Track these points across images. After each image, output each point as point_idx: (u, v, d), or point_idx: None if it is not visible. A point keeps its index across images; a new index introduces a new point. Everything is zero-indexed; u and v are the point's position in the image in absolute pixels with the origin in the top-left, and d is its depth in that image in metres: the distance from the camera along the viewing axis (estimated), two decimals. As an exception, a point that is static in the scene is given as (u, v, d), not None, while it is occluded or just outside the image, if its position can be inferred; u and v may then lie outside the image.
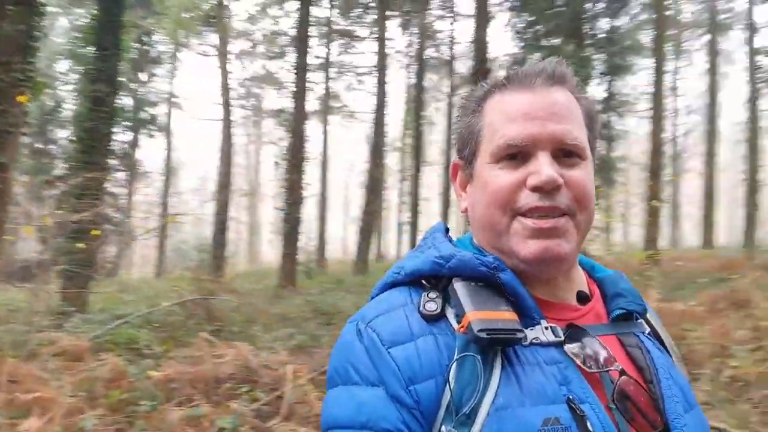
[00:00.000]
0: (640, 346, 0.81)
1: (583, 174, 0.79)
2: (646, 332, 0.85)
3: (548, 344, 0.74)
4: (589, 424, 0.68)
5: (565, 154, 0.78)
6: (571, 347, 0.74)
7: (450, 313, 0.75)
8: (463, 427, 0.67)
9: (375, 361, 0.72)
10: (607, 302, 0.85)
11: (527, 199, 0.76)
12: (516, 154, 0.78)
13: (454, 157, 0.90)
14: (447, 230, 0.88)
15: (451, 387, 0.69)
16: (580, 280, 0.85)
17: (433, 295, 0.76)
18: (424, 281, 0.80)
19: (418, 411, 0.69)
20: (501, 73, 0.84)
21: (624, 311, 0.82)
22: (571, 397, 0.70)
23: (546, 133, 0.77)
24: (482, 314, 0.71)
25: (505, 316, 0.72)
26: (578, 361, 0.73)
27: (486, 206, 0.79)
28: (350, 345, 0.75)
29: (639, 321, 0.85)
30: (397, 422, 0.69)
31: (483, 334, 0.68)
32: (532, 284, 0.78)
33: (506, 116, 0.79)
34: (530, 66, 0.82)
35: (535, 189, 0.76)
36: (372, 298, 0.84)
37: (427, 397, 0.69)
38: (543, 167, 0.76)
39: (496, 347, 0.70)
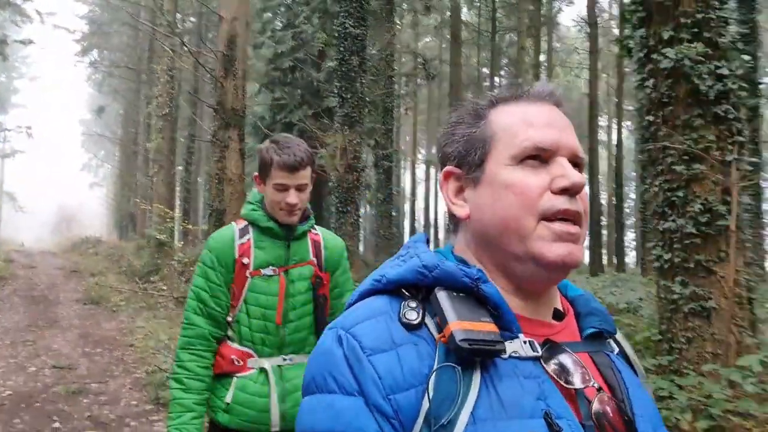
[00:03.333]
0: (611, 365, 0.82)
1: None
2: (615, 352, 0.86)
3: (526, 358, 0.74)
4: None
5: (573, 165, 0.79)
6: (548, 362, 0.75)
7: (430, 323, 0.75)
8: None
9: (354, 369, 0.71)
10: (579, 321, 0.85)
11: (554, 201, 0.76)
12: (534, 158, 0.78)
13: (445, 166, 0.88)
14: (428, 241, 0.87)
15: (430, 397, 0.68)
16: (556, 298, 0.86)
17: (413, 304, 0.76)
18: (404, 291, 0.78)
19: (397, 421, 0.69)
20: (505, 89, 0.87)
21: (596, 330, 0.83)
22: (548, 411, 0.69)
23: (566, 141, 0.79)
24: (465, 324, 0.71)
25: (486, 327, 0.72)
26: (556, 377, 0.73)
27: (509, 208, 0.77)
28: (329, 353, 0.74)
29: (608, 341, 0.86)
30: None
31: (465, 344, 0.68)
32: (511, 299, 0.78)
33: (527, 122, 0.80)
34: (539, 85, 0.85)
35: (563, 191, 0.76)
36: (349, 303, 0.84)
37: (407, 406, 0.69)
38: (569, 170, 0.77)
39: (475, 358, 0.70)
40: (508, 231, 0.78)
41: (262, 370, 1.98)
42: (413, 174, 38.85)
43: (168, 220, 15.88)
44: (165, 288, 12.21)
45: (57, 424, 4.82)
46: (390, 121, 15.24)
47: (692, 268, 4.21)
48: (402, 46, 16.97)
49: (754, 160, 4.64)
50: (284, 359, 2.01)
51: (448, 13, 22.50)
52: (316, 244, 2.11)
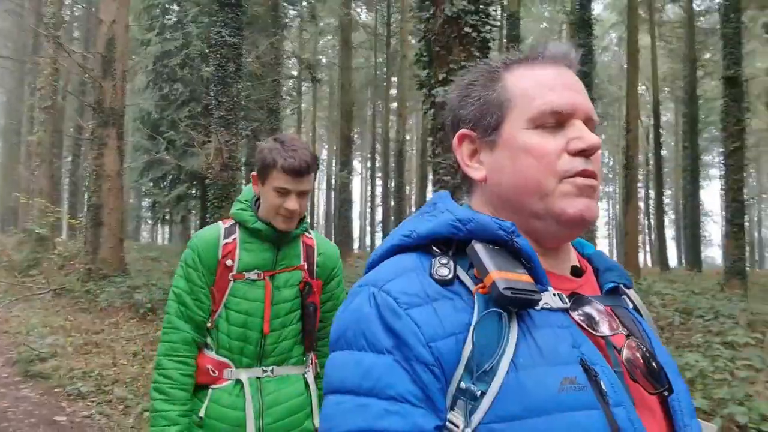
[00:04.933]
0: (631, 317, 0.84)
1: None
2: (631, 306, 0.88)
3: (557, 309, 0.76)
4: (602, 384, 0.70)
5: (587, 128, 0.81)
6: (576, 313, 0.76)
7: (464, 277, 0.76)
8: (482, 383, 0.68)
9: (391, 325, 0.71)
10: (597, 276, 0.87)
11: (573, 163, 0.78)
12: (550, 121, 0.79)
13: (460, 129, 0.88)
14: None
15: (474, 342, 0.69)
16: (573, 255, 0.88)
17: (444, 260, 0.76)
18: (434, 247, 0.79)
19: (438, 368, 0.70)
20: (520, 50, 0.88)
21: (615, 284, 0.85)
22: (583, 358, 0.71)
23: (582, 103, 0.80)
24: (504, 275, 0.72)
25: (523, 278, 0.73)
26: (585, 326, 0.75)
27: (528, 169, 0.79)
28: (360, 310, 0.75)
29: (623, 296, 0.88)
30: (403, 390, 0.69)
31: (508, 293, 0.69)
32: (537, 254, 0.78)
33: (544, 85, 0.80)
34: (554, 46, 0.85)
35: (580, 153, 0.78)
36: (372, 261, 0.84)
37: (448, 353, 0.70)
38: (586, 133, 0.79)
39: (512, 309, 0.72)
40: (529, 191, 0.79)
41: (239, 382, 1.85)
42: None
43: (49, 214, 15.86)
44: (44, 282, 12.44)
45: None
46: (275, 122, 16.14)
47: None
48: (288, 51, 17.86)
49: None
50: (264, 371, 1.87)
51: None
52: (309, 249, 1.99)
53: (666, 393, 0.76)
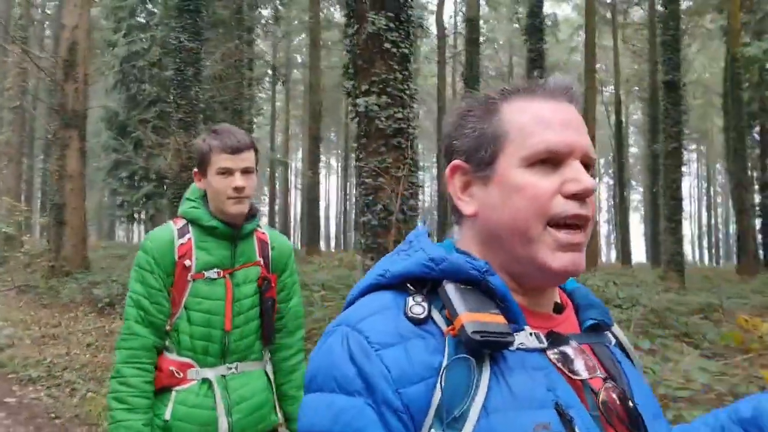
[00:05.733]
0: (611, 356, 0.82)
1: None
2: (613, 343, 0.86)
3: (533, 350, 0.74)
4: (577, 430, 0.68)
5: (585, 167, 0.78)
6: (553, 354, 0.75)
7: (437, 317, 0.74)
8: (453, 430, 0.67)
9: (361, 366, 0.70)
10: (578, 313, 0.86)
11: (565, 206, 0.75)
12: (546, 161, 0.77)
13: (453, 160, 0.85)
14: (429, 235, 0.87)
15: (443, 387, 0.68)
16: (556, 292, 0.86)
17: (419, 298, 0.75)
18: (408, 285, 0.78)
19: (407, 415, 0.68)
20: (519, 81, 0.85)
21: (595, 321, 0.84)
22: (558, 402, 0.70)
23: (580, 143, 0.78)
24: (475, 316, 0.70)
25: (495, 319, 0.72)
26: (562, 368, 0.74)
27: (518, 211, 0.76)
28: (331, 351, 0.74)
29: (606, 333, 0.86)
30: None
31: (477, 336, 0.68)
32: (514, 295, 0.77)
33: (542, 122, 0.78)
34: (556, 80, 0.83)
35: (574, 196, 0.76)
36: (350, 300, 0.83)
37: (417, 400, 0.68)
38: (582, 175, 0.76)
39: (485, 351, 0.70)
40: (515, 234, 0.77)
41: (205, 381, 1.83)
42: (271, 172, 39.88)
43: (17, 213, 16.12)
44: (9, 280, 12.77)
45: None
46: (239, 123, 16.58)
47: (377, 248, 6.16)
48: (253, 52, 18.28)
49: (416, 175, 6.67)
50: (228, 368, 1.87)
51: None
52: (263, 244, 1.98)
53: None
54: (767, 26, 19.39)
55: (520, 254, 0.78)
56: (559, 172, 0.77)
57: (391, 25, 6.19)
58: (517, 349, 0.73)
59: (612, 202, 35.21)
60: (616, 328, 0.89)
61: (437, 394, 0.68)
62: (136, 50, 18.25)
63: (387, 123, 6.15)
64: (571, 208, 0.76)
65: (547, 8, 18.23)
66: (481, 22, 26.03)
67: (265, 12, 22.30)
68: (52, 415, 4.97)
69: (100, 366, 6.31)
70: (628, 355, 0.88)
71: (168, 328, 1.85)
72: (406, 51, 6.31)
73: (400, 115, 6.21)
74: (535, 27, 15.52)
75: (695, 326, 7.09)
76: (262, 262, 1.95)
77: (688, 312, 8.30)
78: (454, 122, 0.86)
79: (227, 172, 1.82)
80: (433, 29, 27.75)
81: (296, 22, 29.91)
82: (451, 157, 0.85)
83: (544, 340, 0.76)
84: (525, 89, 0.82)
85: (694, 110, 32.29)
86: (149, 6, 18.96)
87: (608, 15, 29.27)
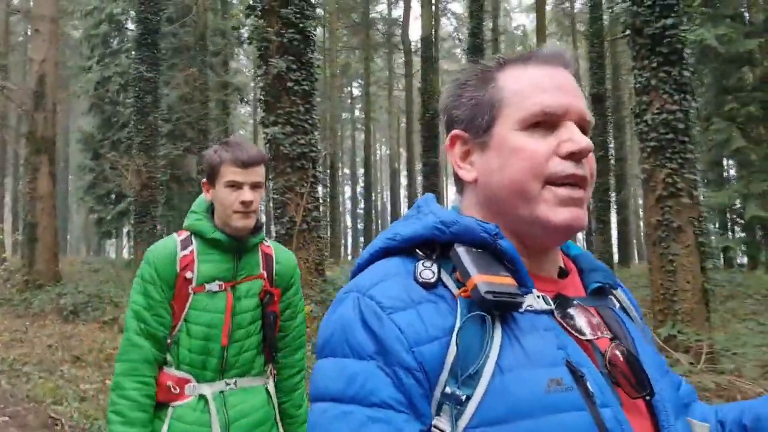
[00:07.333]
0: (616, 318, 0.84)
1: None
2: (617, 306, 0.88)
3: (540, 312, 0.76)
4: (589, 385, 0.70)
5: (580, 129, 0.79)
6: (561, 315, 0.77)
7: (447, 280, 0.76)
8: (467, 388, 0.68)
9: (374, 330, 0.71)
10: (582, 277, 0.88)
11: (561, 166, 0.77)
12: (542, 123, 0.78)
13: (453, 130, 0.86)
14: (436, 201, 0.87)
15: (458, 345, 0.69)
16: (559, 256, 0.88)
17: (428, 263, 0.76)
18: (417, 250, 0.79)
19: (421, 372, 0.70)
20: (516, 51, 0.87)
21: (600, 285, 0.85)
22: (569, 360, 0.71)
23: (575, 105, 0.79)
24: (487, 278, 0.72)
25: (506, 281, 0.73)
26: (569, 328, 0.76)
27: (516, 172, 0.78)
28: (344, 316, 0.75)
29: (610, 296, 0.88)
30: (386, 396, 0.69)
31: (490, 296, 0.70)
32: (521, 254, 0.79)
33: (537, 86, 0.79)
34: (549, 47, 0.84)
35: (570, 156, 0.77)
36: (359, 265, 0.84)
37: (431, 358, 0.70)
38: (578, 135, 0.77)
39: (496, 311, 0.72)
40: (515, 195, 0.78)
41: (202, 397, 1.81)
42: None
43: (-5, 232, 17.07)
44: (-12, 294, 13.72)
45: None
46: (205, 142, 17.72)
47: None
48: (214, 75, 19.49)
49: (323, 190, 7.92)
50: (227, 384, 1.85)
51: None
52: (268, 258, 1.97)
53: (648, 397, 0.76)
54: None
55: (522, 214, 0.79)
56: (555, 134, 0.78)
57: (293, 66, 7.40)
58: (526, 310, 0.75)
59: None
60: (619, 292, 0.91)
61: (452, 352, 0.70)
62: (108, 75, 19.35)
63: (291, 148, 7.35)
64: (568, 167, 0.77)
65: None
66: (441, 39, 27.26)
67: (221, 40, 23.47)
68: (9, 397, 6.08)
69: (55, 361, 7.43)
70: (632, 319, 0.89)
71: (169, 341, 1.83)
72: (307, 88, 7.52)
73: (302, 141, 7.41)
74: (476, 46, 16.78)
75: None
76: (265, 276, 1.93)
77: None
78: (451, 94, 0.88)
79: (236, 185, 1.81)
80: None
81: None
82: (451, 128, 0.87)
83: (551, 302, 0.78)
84: (519, 58, 0.85)
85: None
86: (120, 36, 20.11)
87: (567, 24, 30.46)
